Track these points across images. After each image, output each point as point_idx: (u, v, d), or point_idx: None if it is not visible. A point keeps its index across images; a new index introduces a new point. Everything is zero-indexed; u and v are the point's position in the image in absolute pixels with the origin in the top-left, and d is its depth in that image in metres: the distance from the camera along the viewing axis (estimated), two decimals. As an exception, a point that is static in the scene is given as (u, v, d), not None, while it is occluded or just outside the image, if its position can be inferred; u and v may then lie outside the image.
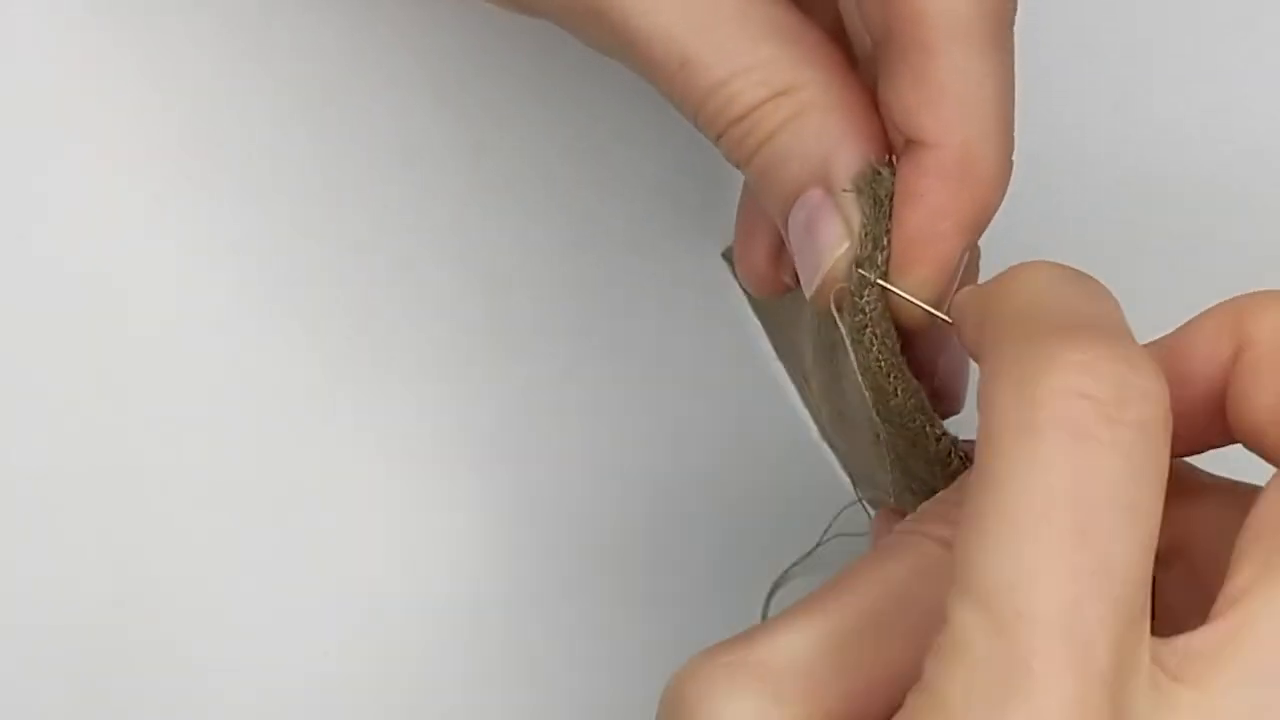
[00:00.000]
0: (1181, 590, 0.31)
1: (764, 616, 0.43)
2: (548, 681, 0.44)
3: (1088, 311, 0.27)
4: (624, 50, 0.34)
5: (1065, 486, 0.25)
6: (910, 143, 0.32)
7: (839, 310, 0.33)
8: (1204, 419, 0.29)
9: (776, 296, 0.37)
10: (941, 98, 0.32)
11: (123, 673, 0.42)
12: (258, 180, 0.43)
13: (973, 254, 0.34)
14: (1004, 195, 0.33)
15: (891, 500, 0.36)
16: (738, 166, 0.34)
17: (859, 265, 0.32)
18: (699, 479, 0.44)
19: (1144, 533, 0.26)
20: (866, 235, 0.32)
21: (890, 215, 0.32)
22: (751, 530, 0.44)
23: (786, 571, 0.43)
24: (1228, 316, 0.29)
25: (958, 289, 0.32)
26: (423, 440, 0.43)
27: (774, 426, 0.44)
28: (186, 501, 0.43)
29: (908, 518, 0.30)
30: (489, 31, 0.43)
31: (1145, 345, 0.29)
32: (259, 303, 0.43)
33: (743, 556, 0.44)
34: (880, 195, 0.32)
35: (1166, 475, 0.26)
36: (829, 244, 0.33)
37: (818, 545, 0.43)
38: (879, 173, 0.32)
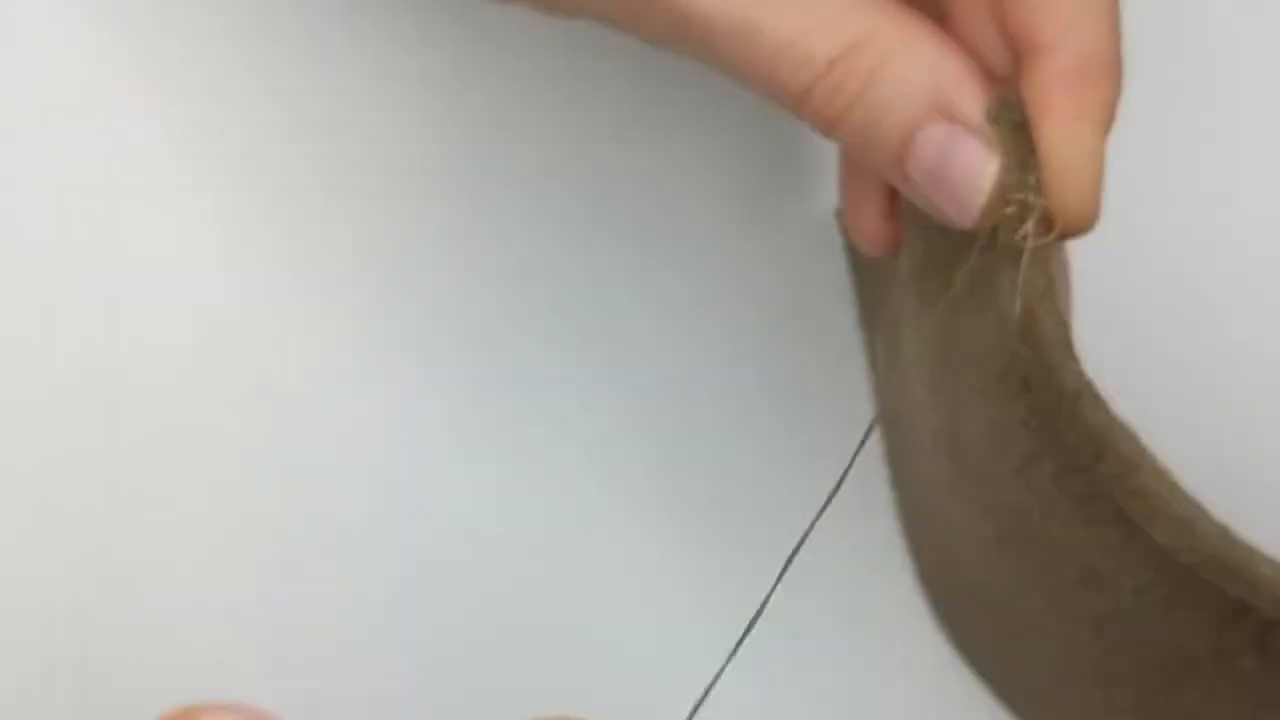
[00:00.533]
0: None
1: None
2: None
3: None
4: (683, 33, 0.33)
5: None
6: (1026, 55, 0.32)
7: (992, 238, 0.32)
8: None
9: (891, 254, 0.37)
10: (1058, 4, 0.32)
11: (123, 671, 0.42)
12: (259, 179, 0.42)
13: None
14: (1122, 87, 0.33)
15: None
16: (825, 130, 0.33)
17: (1015, 190, 0.32)
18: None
19: None
20: (1013, 160, 0.32)
21: (1031, 138, 0.32)
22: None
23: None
24: None
25: None
26: (424, 439, 0.43)
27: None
28: (187, 501, 0.42)
29: None
30: (491, 29, 0.43)
31: None
32: (259, 301, 0.43)
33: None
34: (1017, 120, 0.32)
35: None
36: (977, 167, 0.32)
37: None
38: (1008, 100, 0.32)
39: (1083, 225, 0.32)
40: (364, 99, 0.43)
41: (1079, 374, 0.32)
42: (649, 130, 0.44)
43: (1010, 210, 0.32)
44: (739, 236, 0.44)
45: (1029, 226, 0.32)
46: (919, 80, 0.32)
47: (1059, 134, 0.32)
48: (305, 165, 0.43)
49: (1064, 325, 0.32)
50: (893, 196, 0.36)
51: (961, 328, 0.34)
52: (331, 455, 0.43)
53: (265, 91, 0.42)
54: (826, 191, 0.44)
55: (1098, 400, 0.31)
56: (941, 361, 0.36)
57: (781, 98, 0.33)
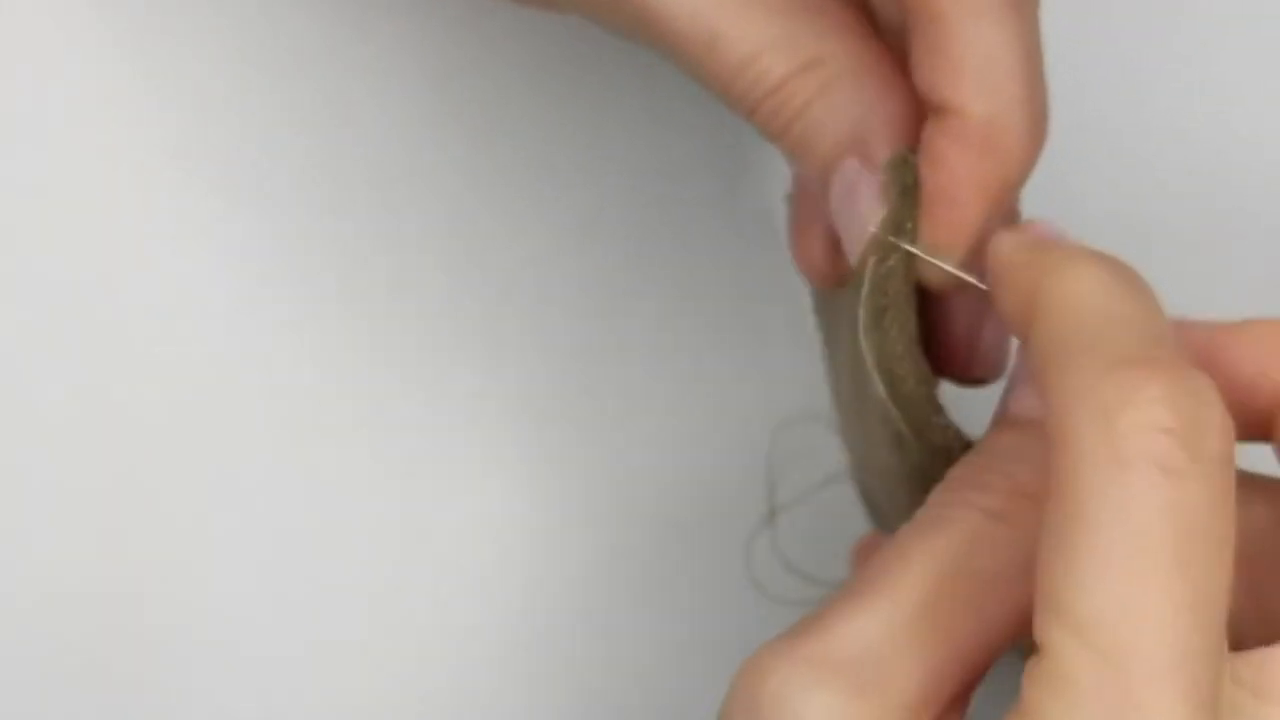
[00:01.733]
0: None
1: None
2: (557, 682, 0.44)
3: (1149, 330, 0.28)
4: (650, 32, 0.34)
5: (1161, 521, 0.26)
6: (936, 110, 0.32)
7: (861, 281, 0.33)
8: (1240, 421, 0.30)
9: (834, 288, 0.37)
10: (959, 69, 0.32)
11: (123, 669, 0.42)
12: (259, 178, 0.43)
13: (1009, 218, 0.34)
14: (1033, 163, 0.33)
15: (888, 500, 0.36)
16: (772, 141, 0.34)
17: (880, 243, 0.33)
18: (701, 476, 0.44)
19: (1228, 561, 0.27)
20: (889, 218, 0.33)
21: (916, 201, 0.33)
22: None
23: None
24: (1266, 347, 0.30)
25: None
26: (425, 438, 0.43)
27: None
28: (187, 500, 0.42)
29: (937, 489, 0.31)
30: (491, 27, 0.44)
31: (1181, 325, 0.30)
32: (260, 300, 0.43)
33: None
34: (908, 182, 0.33)
35: (1235, 501, 0.27)
36: (866, 212, 0.33)
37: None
38: (906, 159, 0.33)
39: (940, 277, 0.33)
40: (363, 97, 0.43)
41: (945, 429, 0.33)
42: (643, 126, 0.44)
43: (881, 262, 0.33)
44: (736, 230, 0.45)
45: (888, 279, 0.33)
46: (849, 114, 0.33)
47: (935, 183, 0.32)
48: (305, 165, 0.43)
49: (926, 382, 0.33)
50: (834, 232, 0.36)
51: (860, 374, 0.35)
52: (332, 454, 0.43)
53: (266, 91, 0.43)
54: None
55: (968, 447, 0.33)
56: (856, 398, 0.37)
57: (735, 106, 0.34)
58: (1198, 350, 0.31)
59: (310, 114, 0.43)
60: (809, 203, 0.36)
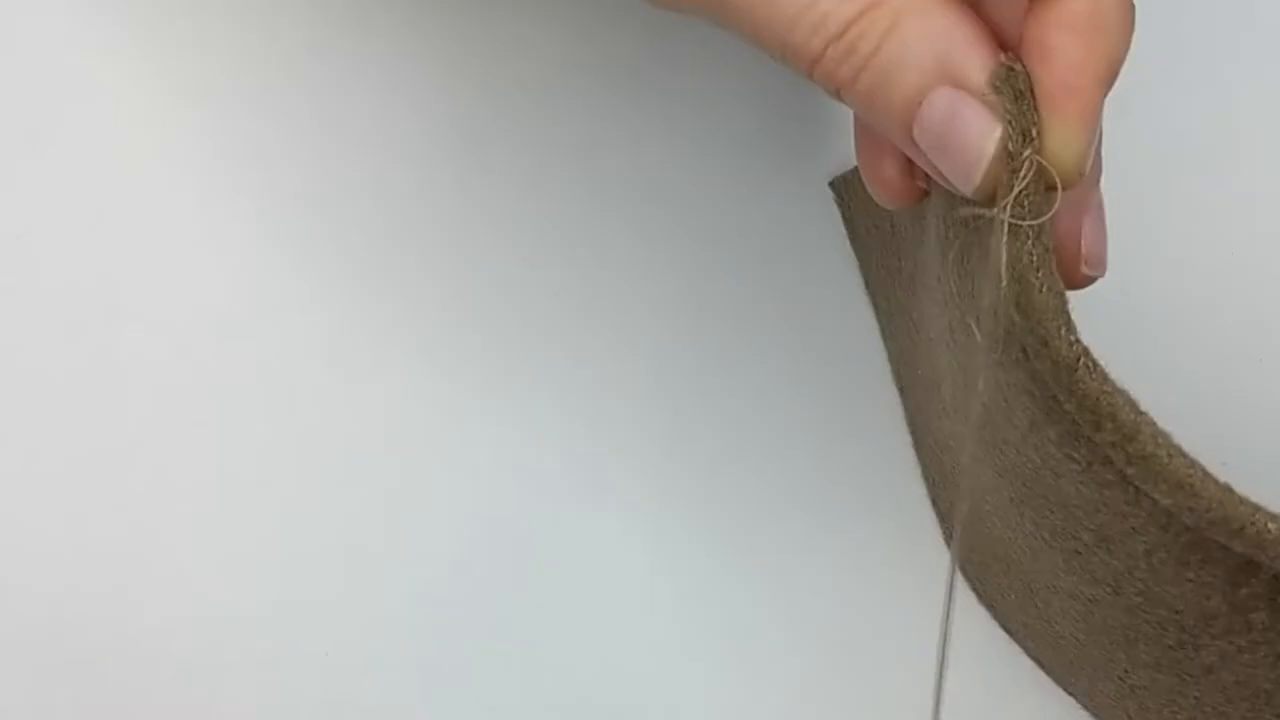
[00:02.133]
0: None
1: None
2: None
3: None
4: None
5: None
6: (1035, 2, 0.32)
7: (994, 203, 0.32)
8: None
9: (912, 206, 0.37)
10: None
11: (123, 670, 0.42)
12: (260, 177, 0.43)
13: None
14: (1129, 49, 0.33)
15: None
16: (837, 93, 0.33)
17: (1013, 154, 0.32)
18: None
19: None
20: (1015, 128, 0.32)
21: (1034, 107, 0.32)
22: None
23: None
24: None
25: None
26: (427, 438, 0.43)
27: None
28: (184, 499, 0.42)
29: None
30: (496, 22, 0.44)
31: None
32: (261, 300, 0.43)
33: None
34: (1020, 88, 0.32)
35: None
36: (981, 132, 0.32)
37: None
38: (1013, 68, 0.32)
39: (1072, 175, 0.32)
40: (367, 96, 0.43)
41: (1074, 343, 0.32)
42: (648, 112, 0.44)
43: (1011, 177, 0.32)
44: (738, 212, 0.44)
45: (1025, 186, 0.32)
46: (928, 45, 0.32)
47: (1054, 76, 0.32)
48: (305, 165, 0.43)
49: (1060, 294, 0.32)
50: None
51: (969, 292, 0.34)
52: (333, 453, 0.43)
53: (265, 92, 0.42)
54: (822, 162, 0.44)
55: (1094, 369, 0.31)
56: (958, 324, 0.36)
57: (795, 60, 0.32)
58: None
59: (310, 112, 0.43)
60: (874, 133, 0.36)
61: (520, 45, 0.44)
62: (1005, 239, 0.32)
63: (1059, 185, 0.32)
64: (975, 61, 0.32)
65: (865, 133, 0.36)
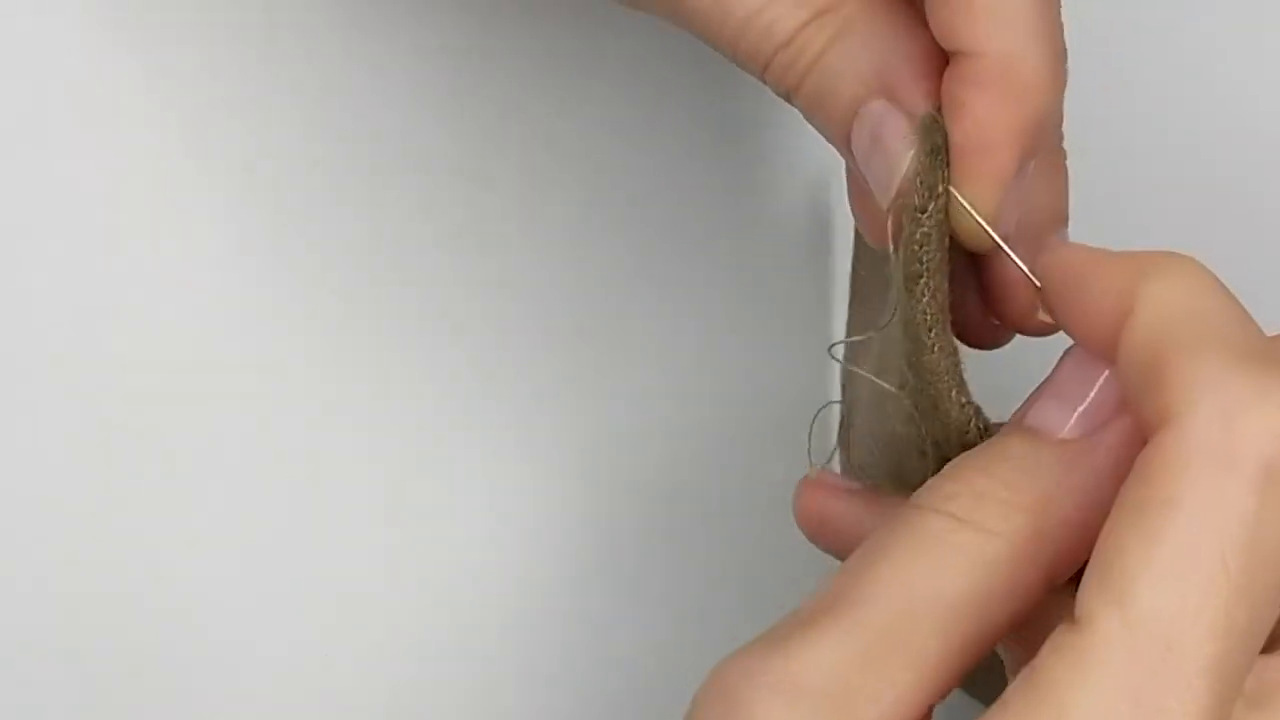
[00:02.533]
0: None
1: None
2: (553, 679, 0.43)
3: (1264, 336, 0.28)
4: None
5: (1249, 536, 0.26)
6: (954, 54, 0.32)
7: (895, 245, 0.32)
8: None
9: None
10: (972, 8, 0.31)
11: (124, 668, 0.42)
12: (260, 178, 0.43)
13: (1053, 170, 0.34)
14: (1057, 103, 0.32)
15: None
16: (787, 98, 0.33)
17: (918, 207, 0.32)
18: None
19: None
20: (923, 183, 0.32)
21: (947, 162, 0.32)
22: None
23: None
24: (1126, 275, 0.30)
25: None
26: (426, 439, 0.43)
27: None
28: (181, 499, 0.42)
29: (927, 485, 0.30)
30: (497, 16, 0.44)
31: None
32: (262, 300, 0.43)
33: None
34: (937, 142, 0.32)
35: None
36: (899, 149, 0.32)
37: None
38: (935, 119, 0.32)
39: (976, 235, 0.32)
40: (368, 96, 0.44)
41: (965, 405, 0.32)
42: (642, 116, 0.45)
43: (915, 225, 0.32)
44: (732, 216, 0.45)
45: (920, 241, 0.32)
46: (870, 56, 0.32)
47: (962, 131, 0.32)
48: (305, 165, 0.43)
49: (952, 354, 0.32)
50: None
51: (888, 339, 0.34)
52: (332, 454, 0.43)
53: (265, 91, 0.43)
54: (813, 161, 0.44)
55: (985, 430, 0.32)
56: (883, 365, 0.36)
57: (747, 63, 0.33)
58: None
59: (309, 110, 0.43)
60: None
61: (516, 39, 0.44)
62: (901, 294, 0.32)
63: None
64: (912, 78, 0.32)
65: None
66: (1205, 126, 0.46)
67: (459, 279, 0.43)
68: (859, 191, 0.36)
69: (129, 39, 0.42)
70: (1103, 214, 0.43)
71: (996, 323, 0.36)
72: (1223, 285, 0.28)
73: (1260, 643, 0.27)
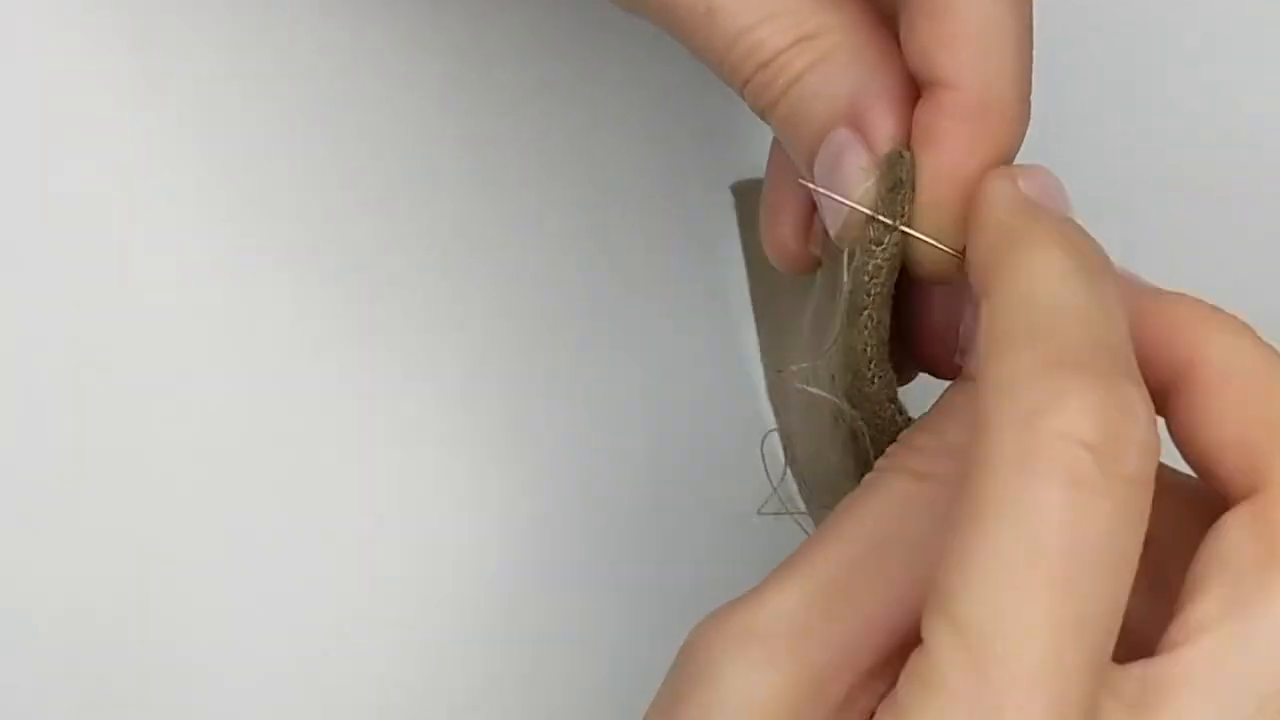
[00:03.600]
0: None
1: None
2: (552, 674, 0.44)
3: (1097, 330, 0.28)
4: (648, 2, 0.34)
5: (1057, 536, 0.26)
6: (930, 85, 0.32)
7: (848, 266, 0.33)
8: None
9: (801, 272, 0.37)
10: (958, 38, 0.31)
11: (123, 668, 0.42)
12: (259, 178, 0.43)
13: None
14: (1022, 139, 0.32)
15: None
16: (762, 116, 0.34)
17: (873, 239, 0.32)
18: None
19: (1125, 582, 0.27)
20: (880, 216, 0.32)
21: (909, 198, 0.32)
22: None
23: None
24: (1174, 326, 0.30)
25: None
26: (426, 437, 0.43)
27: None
28: (187, 500, 0.42)
29: (886, 452, 0.31)
30: (493, 23, 0.44)
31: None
32: (262, 299, 0.43)
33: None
34: (900, 177, 0.32)
35: (1147, 523, 0.27)
36: (856, 179, 0.32)
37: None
38: (901, 155, 0.32)
39: (938, 265, 0.32)
40: (368, 96, 0.43)
41: (908, 420, 0.33)
42: (645, 114, 0.44)
43: (863, 258, 0.32)
44: (732, 216, 0.45)
45: (870, 271, 0.32)
46: (845, 84, 0.32)
47: (935, 162, 0.32)
48: (305, 165, 0.43)
49: (890, 385, 0.32)
50: (809, 216, 0.36)
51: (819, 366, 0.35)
52: (330, 456, 0.43)
53: (265, 91, 0.43)
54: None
55: None
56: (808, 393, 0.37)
57: (729, 78, 0.33)
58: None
59: (309, 111, 0.43)
60: (783, 184, 0.36)
61: (517, 38, 0.44)
62: (842, 326, 0.32)
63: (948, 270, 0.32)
64: (884, 109, 0.32)
65: (773, 187, 0.37)
66: (1205, 126, 0.46)
67: (453, 281, 0.43)
68: (773, 213, 0.36)
69: (129, 38, 0.42)
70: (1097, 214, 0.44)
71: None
72: (1085, 269, 0.28)
73: (1105, 642, 0.26)
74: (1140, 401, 0.27)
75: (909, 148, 0.32)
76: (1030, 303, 0.28)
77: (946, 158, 0.32)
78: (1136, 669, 0.28)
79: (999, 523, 0.26)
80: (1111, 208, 0.44)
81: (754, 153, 0.42)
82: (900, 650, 0.29)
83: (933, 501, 0.29)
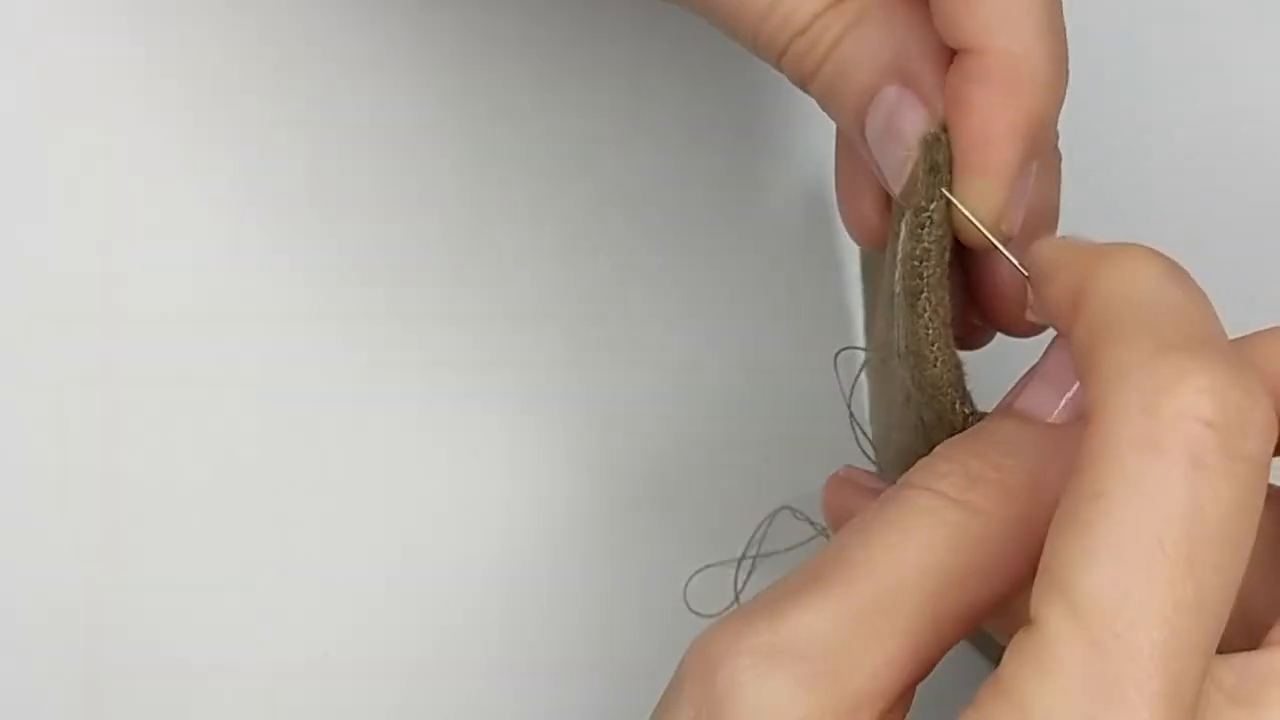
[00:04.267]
0: None
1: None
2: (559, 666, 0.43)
3: (1202, 323, 0.28)
4: None
5: (1181, 516, 0.26)
6: (959, 51, 0.32)
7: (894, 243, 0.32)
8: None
9: (882, 247, 0.36)
10: (976, 5, 0.31)
11: (124, 668, 0.42)
12: (261, 177, 0.43)
13: (1048, 172, 0.34)
14: (1058, 100, 0.32)
15: None
16: (802, 85, 0.34)
17: (919, 221, 0.32)
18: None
19: (1241, 563, 0.26)
20: (924, 197, 0.32)
21: (948, 177, 0.32)
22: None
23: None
24: (1080, 264, 0.29)
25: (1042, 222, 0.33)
26: (425, 436, 0.43)
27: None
28: (187, 500, 0.42)
29: (918, 464, 0.30)
30: (496, 20, 0.44)
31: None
32: (259, 297, 0.43)
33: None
34: (937, 160, 0.32)
35: (1263, 504, 0.27)
36: (914, 130, 0.32)
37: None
38: (938, 138, 0.32)
39: (976, 237, 0.32)
40: (368, 96, 0.43)
41: (969, 416, 0.32)
42: (644, 115, 0.44)
43: (915, 240, 0.32)
44: (734, 213, 0.45)
45: (920, 253, 0.32)
46: (887, 43, 0.32)
47: (966, 128, 0.32)
48: (304, 165, 0.43)
49: (956, 368, 0.32)
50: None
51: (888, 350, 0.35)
52: (331, 455, 0.43)
53: (265, 90, 0.43)
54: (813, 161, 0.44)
55: None
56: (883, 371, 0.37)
57: (765, 52, 0.33)
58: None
59: (308, 110, 0.43)
60: (853, 162, 0.36)
61: (517, 39, 0.44)
62: (902, 309, 0.32)
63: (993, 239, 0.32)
64: (928, 67, 0.32)
65: (845, 167, 0.37)
66: (1203, 126, 0.46)
67: (457, 275, 0.43)
68: (849, 190, 0.36)
69: (129, 38, 0.42)
70: (1099, 215, 0.44)
71: (978, 323, 0.36)
72: (1178, 273, 0.28)
73: (1219, 623, 0.26)
74: (1255, 379, 0.26)
75: (945, 129, 0.32)
76: (1134, 298, 0.28)
77: (978, 123, 0.32)
78: (1238, 659, 0.27)
79: (1122, 500, 0.26)
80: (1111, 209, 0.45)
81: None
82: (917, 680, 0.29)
83: (975, 537, 0.29)
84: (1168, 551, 0.25)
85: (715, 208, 0.44)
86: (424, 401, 0.43)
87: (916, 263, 0.32)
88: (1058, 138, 0.35)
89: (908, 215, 0.32)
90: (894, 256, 0.34)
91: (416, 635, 0.43)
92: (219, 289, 0.42)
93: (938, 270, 0.32)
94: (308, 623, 0.42)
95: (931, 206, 0.32)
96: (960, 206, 0.32)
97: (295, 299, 0.43)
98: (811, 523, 0.40)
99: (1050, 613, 0.26)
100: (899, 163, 0.32)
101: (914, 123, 0.32)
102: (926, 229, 0.32)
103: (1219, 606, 0.26)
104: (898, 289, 0.32)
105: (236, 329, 0.42)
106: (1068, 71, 0.32)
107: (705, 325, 0.44)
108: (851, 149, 0.36)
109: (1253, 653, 0.27)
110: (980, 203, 0.32)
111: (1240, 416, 0.26)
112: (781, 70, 0.33)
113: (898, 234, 0.33)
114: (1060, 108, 0.32)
